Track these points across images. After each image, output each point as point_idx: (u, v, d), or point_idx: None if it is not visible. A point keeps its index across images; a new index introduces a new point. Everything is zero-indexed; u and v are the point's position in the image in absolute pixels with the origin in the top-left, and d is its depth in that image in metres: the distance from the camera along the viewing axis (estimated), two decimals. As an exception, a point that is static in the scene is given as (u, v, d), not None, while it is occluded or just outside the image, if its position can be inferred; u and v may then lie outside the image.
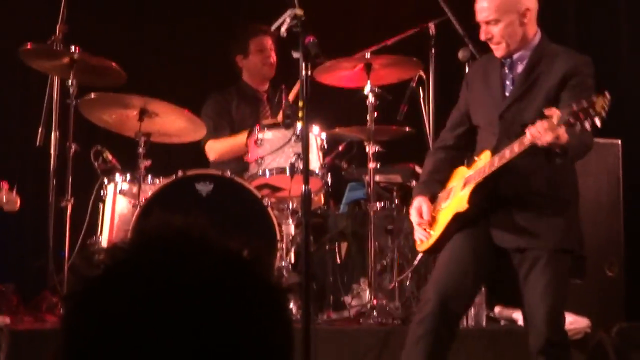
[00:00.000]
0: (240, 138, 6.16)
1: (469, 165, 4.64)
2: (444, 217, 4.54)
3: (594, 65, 4.56)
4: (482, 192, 4.41)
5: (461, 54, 5.59)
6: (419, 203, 4.59)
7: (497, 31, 4.47)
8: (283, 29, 4.08)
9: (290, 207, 5.90)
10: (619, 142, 6.58)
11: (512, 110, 4.48)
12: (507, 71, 4.57)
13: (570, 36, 8.02)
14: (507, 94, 4.53)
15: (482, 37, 4.52)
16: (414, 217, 4.62)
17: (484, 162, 4.42)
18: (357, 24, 7.69)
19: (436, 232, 4.55)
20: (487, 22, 4.49)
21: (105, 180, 5.92)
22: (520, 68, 4.56)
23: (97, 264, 1.33)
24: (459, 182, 4.57)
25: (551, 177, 4.41)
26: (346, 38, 7.17)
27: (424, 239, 4.60)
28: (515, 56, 4.55)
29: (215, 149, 6.46)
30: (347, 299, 5.93)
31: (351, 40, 6.73)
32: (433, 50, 6.12)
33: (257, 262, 1.37)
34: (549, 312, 4.30)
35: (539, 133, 4.08)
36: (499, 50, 4.52)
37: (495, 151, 4.39)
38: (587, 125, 4.12)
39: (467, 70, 4.81)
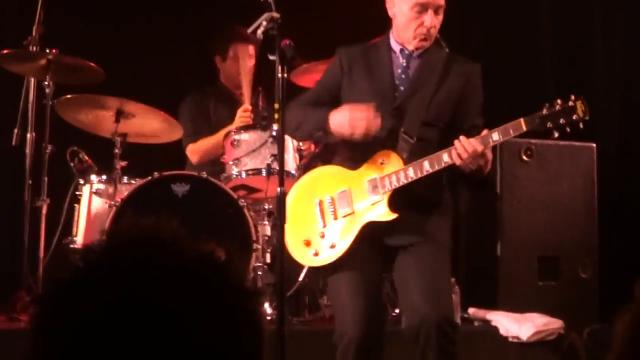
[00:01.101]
0: (217, 137, 6.18)
1: (356, 163, 4.42)
2: (351, 224, 4.35)
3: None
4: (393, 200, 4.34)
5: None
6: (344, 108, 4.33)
7: (438, 21, 4.41)
8: (259, 31, 4.10)
9: (267, 208, 5.91)
10: (594, 145, 6.63)
11: (406, 105, 4.39)
12: (403, 62, 4.46)
13: (545, 40, 8.07)
14: (401, 87, 4.44)
15: (429, 23, 4.34)
16: (355, 113, 4.26)
17: (394, 167, 4.31)
18: (334, 26, 7.70)
19: (342, 244, 4.33)
20: (438, 8, 4.38)
21: (81, 181, 5.92)
22: (416, 62, 4.47)
23: (68, 267, 1.33)
24: (353, 183, 4.39)
25: (431, 183, 4.36)
26: (323, 40, 7.17)
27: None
28: (416, 51, 4.46)
29: (196, 151, 6.44)
30: (323, 300, 5.94)
31: (328, 43, 6.73)
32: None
33: (229, 265, 1.38)
34: (426, 289, 4.16)
35: (471, 151, 4.09)
36: (426, 42, 4.42)
37: (398, 150, 4.32)
38: (568, 129, 4.18)
39: (341, 53, 4.55)
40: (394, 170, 4.31)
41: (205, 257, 1.37)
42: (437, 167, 4.22)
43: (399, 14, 4.43)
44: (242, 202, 5.62)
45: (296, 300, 6.11)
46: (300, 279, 5.86)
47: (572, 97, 4.24)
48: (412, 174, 4.27)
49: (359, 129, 4.22)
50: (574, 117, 4.18)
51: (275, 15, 4.09)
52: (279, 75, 4.00)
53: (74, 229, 5.87)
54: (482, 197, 6.50)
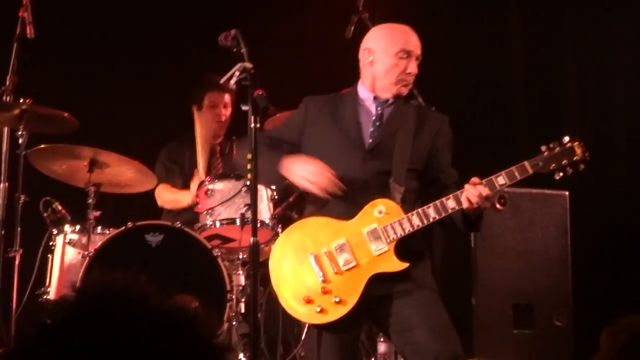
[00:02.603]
0: (186, 195, 6.20)
1: (345, 213, 4.29)
2: (357, 278, 4.20)
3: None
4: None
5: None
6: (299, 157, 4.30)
7: (416, 68, 4.46)
8: (232, 81, 4.11)
9: (241, 257, 5.90)
10: (567, 193, 6.66)
11: (375, 155, 4.35)
12: (379, 110, 4.45)
13: (518, 85, 8.13)
14: (375, 133, 4.41)
15: (413, 69, 4.41)
16: (316, 171, 4.23)
17: (395, 216, 4.23)
18: (307, 76, 7.74)
19: (351, 299, 4.17)
20: (418, 57, 4.45)
21: (55, 231, 5.89)
22: (388, 110, 4.47)
23: (36, 323, 1.33)
24: (350, 235, 4.25)
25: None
26: (297, 90, 7.21)
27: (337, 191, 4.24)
28: (388, 97, 4.47)
29: (162, 196, 6.46)
30: (298, 350, 5.91)
31: (302, 93, 6.76)
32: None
33: (197, 321, 1.37)
34: (434, 328, 4.15)
35: (479, 195, 4.10)
36: (406, 89, 4.48)
37: (393, 198, 4.27)
38: (569, 171, 4.23)
39: (307, 102, 4.56)
40: (397, 219, 4.22)
41: (173, 313, 1.36)
42: (442, 214, 4.18)
43: (379, 63, 4.44)
44: (216, 252, 5.60)
45: (271, 350, 6.08)
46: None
47: (568, 139, 4.28)
48: (417, 221, 4.20)
49: (316, 184, 4.21)
50: (574, 159, 4.23)
51: (248, 65, 4.11)
52: (252, 125, 4.01)
53: (47, 280, 5.83)
54: (456, 245, 6.51)
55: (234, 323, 5.63)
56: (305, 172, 4.23)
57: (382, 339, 5.73)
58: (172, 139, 6.79)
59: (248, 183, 5.50)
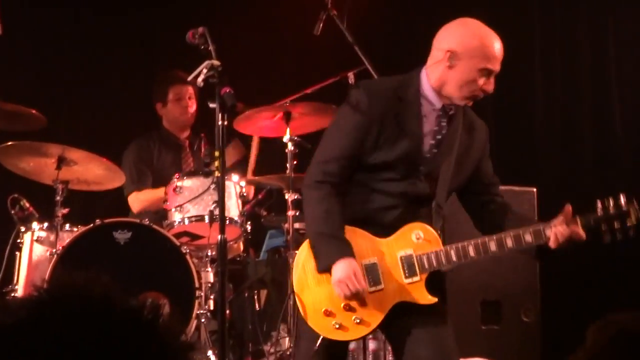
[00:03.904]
0: (161, 192, 6.18)
1: (385, 232, 4.05)
2: (382, 302, 4.01)
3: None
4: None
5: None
6: (353, 266, 3.92)
7: (492, 88, 4.12)
8: (200, 79, 4.11)
9: (209, 254, 5.89)
10: (534, 189, 6.69)
11: (435, 171, 4.09)
12: (443, 122, 4.11)
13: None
14: (434, 150, 4.10)
15: (491, 89, 4.07)
16: (354, 283, 3.90)
17: (433, 246, 4.02)
18: (277, 73, 7.75)
19: (373, 322, 4.00)
20: (497, 74, 4.10)
21: (22, 228, 5.86)
22: (454, 122, 4.14)
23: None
24: (382, 256, 4.03)
25: None
26: (266, 87, 7.23)
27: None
28: (454, 108, 4.14)
29: (139, 201, 6.44)
30: (267, 346, 5.92)
31: (271, 90, 6.78)
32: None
33: (160, 321, 1.37)
34: (436, 349, 4.04)
35: (562, 237, 3.96)
36: (471, 102, 4.15)
37: (434, 225, 4.05)
38: (619, 236, 4.00)
39: (371, 98, 4.04)
40: (435, 249, 4.02)
41: (135, 312, 1.36)
42: (482, 255, 4.02)
43: (458, 70, 4.02)
44: (184, 249, 5.60)
45: (239, 347, 6.09)
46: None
47: (624, 200, 4.05)
48: (454, 257, 4.02)
49: (345, 292, 3.92)
50: (627, 224, 4.01)
51: (216, 63, 4.11)
52: (219, 122, 4.01)
53: (15, 277, 5.80)
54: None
55: (202, 320, 5.63)
56: (344, 276, 3.91)
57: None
58: (138, 137, 6.77)
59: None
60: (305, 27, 6.09)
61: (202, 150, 6.38)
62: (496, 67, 4.05)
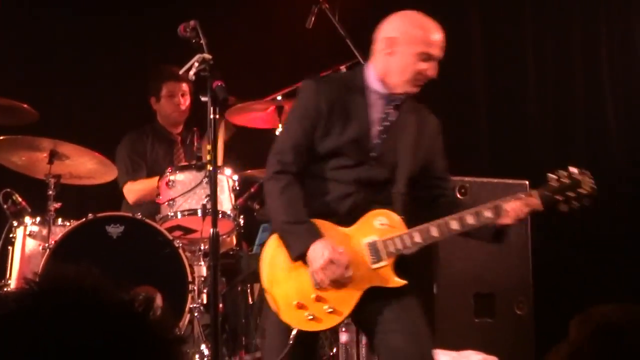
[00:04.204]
0: (155, 181, 6.16)
1: (343, 219, 4.11)
2: (352, 290, 4.05)
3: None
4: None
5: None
6: (330, 245, 3.97)
7: (435, 72, 4.20)
8: (191, 72, 4.11)
9: (202, 248, 5.89)
10: (527, 182, 6.69)
11: (387, 156, 4.19)
12: (387, 109, 4.22)
13: (478, 78, 8.17)
14: (382, 135, 4.20)
15: (433, 73, 4.15)
16: (339, 261, 3.97)
17: (397, 230, 4.09)
18: (269, 66, 7.75)
19: (345, 310, 4.05)
20: (439, 59, 4.19)
21: (15, 223, 5.86)
22: (395, 112, 4.24)
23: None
24: (348, 244, 4.06)
25: None
26: (258, 80, 7.23)
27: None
28: (398, 96, 4.24)
29: (134, 190, 6.43)
30: (260, 340, 5.92)
31: (263, 83, 6.78)
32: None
33: (150, 313, 1.37)
34: (409, 333, 4.08)
35: (521, 211, 4.04)
36: (417, 89, 4.21)
37: (395, 210, 4.14)
38: (575, 205, 4.12)
39: (320, 90, 4.14)
40: (399, 233, 4.08)
41: (126, 306, 1.36)
42: (445, 235, 4.08)
43: (398, 57, 4.14)
44: (177, 243, 5.60)
45: (233, 340, 6.09)
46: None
47: (577, 171, 4.18)
48: (419, 239, 4.07)
49: (329, 275, 3.97)
50: (582, 192, 4.13)
51: (207, 56, 4.11)
52: (211, 116, 4.00)
53: (8, 272, 5.80)
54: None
55: (195, 314, 5.62)
56: (325, 260, 3.96)
57: (344, 329, 5.73)
58: (131, 130, 6.77)
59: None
60: (298, 20, 6.09)
61: (195, 144, 6.37)
62: (435, 52, 4.14)
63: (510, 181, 6.63)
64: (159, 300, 1.44)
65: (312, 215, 4.07)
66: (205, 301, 5.76)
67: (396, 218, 4.13)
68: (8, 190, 5.89)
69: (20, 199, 5.88)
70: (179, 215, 5.72)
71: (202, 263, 5.85)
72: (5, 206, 5.86)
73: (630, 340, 2.01)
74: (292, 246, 4.03)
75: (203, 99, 4.06)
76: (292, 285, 4.05)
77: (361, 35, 6.39)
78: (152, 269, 5.54)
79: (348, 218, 4.13)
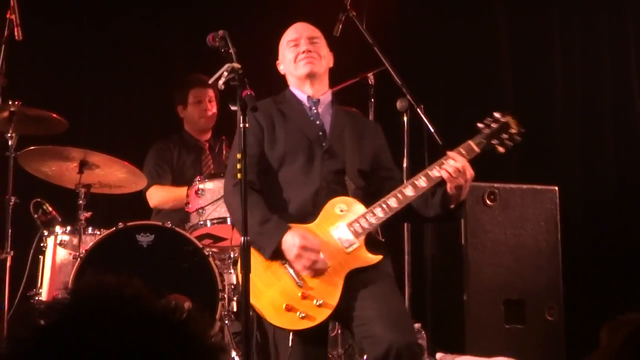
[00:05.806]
0: (182, 191, 6.18)
1: (305, 216, 4.30)
2: (334, 278, 4.19)
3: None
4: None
5: (399, 104, 5.63)
6: (300, 233, 4.18)
7: (316, 48, 4.64)
8: (221, 82, 4.11)
9: (232, 256, 5.90)
10: (556, 188, 6.68)
11: (335, 149, 4.47)
12: (314, 110, 4.58)
13: (506, 83, 8.15)
14: (321, 132, 4.53)
15: (303, 47, 4.63)
16: (311, 247, 4.17)
17: (358, 211, 4.27)
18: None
19: (332, 300, 4.16)
20: (313, 38, 4.67)
21: (46, 232, 5.90)
22: (327, 111, 4.62)
23: (30, 325, 1.33)
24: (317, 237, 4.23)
25: None
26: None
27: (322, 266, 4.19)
28: (321, 97, 4.63)
29: (156, 195, 6.48)
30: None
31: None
32: (372, 100, 6.19)
33: (191, 322, 1.38)
34: (389, 317, 4.12)
35: (462, 160, 4.24)
36: (313, 65, 4.60)
37: (351, 195, 4.34)
38: (510, 144, 4.42)
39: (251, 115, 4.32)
40: (361, 213, 4.26)
41: (167, 314, 1.37)
42: (403, 204, 4.25)
43: (286, 62, 4.69)
44: (207, 251, 5.61)
45: (264, 348, 6.08)
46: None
47: (500, 114, 4.49)
48: (381, 214, 4.24)
49: (306, 261, 4.16)
50: (512, 132, 4.44)
51: (236, 65, 4.10)
52: (241, 125, 4.01)
53: (39, 281, 5.83)
54: (447, 242, 6.53)
55: (226, 322, 5.64)
56: (296, 248, 4.16)
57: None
58: (159, 140, 6.81)
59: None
60: (325, 28, 6.09)
61: (224, 152, 6.40)
62: (293, 35, 4.70)
63: (539, 187, 6.61)
64: (190, 309, 1.44)
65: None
66: (235, 309, 5.77)
67: (353, 201, 4.32)
68: (38, 200, 5.92)
69: (50, 209, 5.92)
70: (209, 223, 5.74)
71: (232, 271, 5.86)
72: (35, 216, 5.89)
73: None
74: (265, 246, 4.20)
75: (232, 108, 4.06)
76: (275, 290, 4.19)
77: (388, 42, 6.42)
78: (183, 278, 5.55)
79: (313, 214, 4.32)
